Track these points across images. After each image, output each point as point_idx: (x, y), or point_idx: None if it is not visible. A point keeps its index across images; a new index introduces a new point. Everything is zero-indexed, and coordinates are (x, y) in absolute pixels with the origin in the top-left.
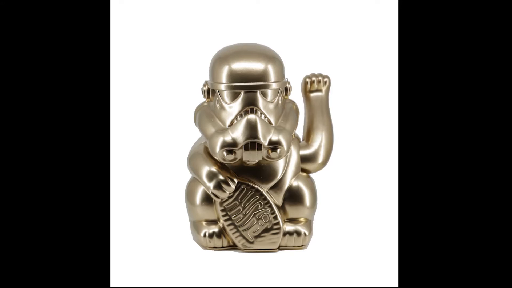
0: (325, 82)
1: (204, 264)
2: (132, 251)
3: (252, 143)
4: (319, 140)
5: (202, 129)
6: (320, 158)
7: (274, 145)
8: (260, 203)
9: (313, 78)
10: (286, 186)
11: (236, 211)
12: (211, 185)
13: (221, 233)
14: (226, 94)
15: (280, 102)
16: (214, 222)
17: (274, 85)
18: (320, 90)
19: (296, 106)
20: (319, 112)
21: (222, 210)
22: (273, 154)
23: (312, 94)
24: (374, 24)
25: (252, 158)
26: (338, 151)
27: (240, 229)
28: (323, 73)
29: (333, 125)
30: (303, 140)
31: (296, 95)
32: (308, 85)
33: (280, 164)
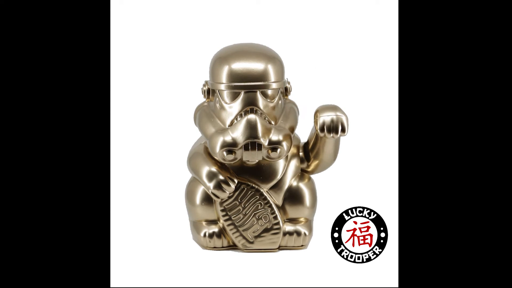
0: (343, 130)
1: (204, 264)
2: (132, 251)
3: (252, 143)
4: (323, 165)
5: (202, 129)
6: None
7: (274, 145)
8: (260, 203)
9: (329, 122)
10: (286, 186)
11: (236, 211)
12: (211, 185)
13: (221, 233)
14: (226, 94)
15: (280, 102)
16: (214, 222)
17: (274, 85)
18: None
19: (296, 106)
20: (328, 149)
21: (222, 210)
22: (273, 154)
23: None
24: (374, 24)
25: (252, 158)
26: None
27: (240, 229)
28: (340, 111)
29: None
30: (304, 157)
31: (296, 95)
32: (323, 135)
33: (280, 164)
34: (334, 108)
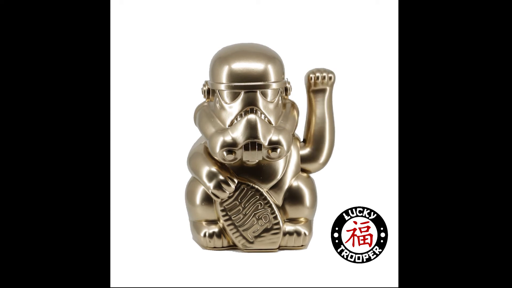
0: (330, 78)
1: (204, 264)
2: (132, 251)
3: (252, 143)
4: (320, 140)
5: (202, 129)
6: (321, 158)
7: (274, 145)
8: (260, 203)
9: (317, 74)
10: (286, 186)
11: (236, 211)
12: (211, 185)
13: (221, 233)
14: (226, 94)
15: (280, 102)
16: (214, 222)
17: (274, 85)
18: (324, 89)
19: (296, 106)
20: (321, 111)
21: (222, 210)
22: (273, 154)
23: (315, 92)
24: (374, 24)
25: (252, 158)
26: (338, 151)
27: (240, 229)
28: (328, 69)
29: (335, 124)
30: (303, 138)
31: (296, 95)
32: (312, 82)
33: (280, 164)
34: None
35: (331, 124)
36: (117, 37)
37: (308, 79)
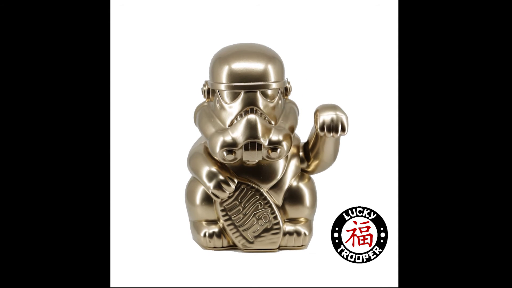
0: (343, 130)
1: (204, 264)
2: (132, 251)
3: (252, 143)
4: (322, 166)
5: (202, 129)
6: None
7: (274, 145)
8: (260, 203)
9: (329, 123)
10: (286, 186)
11: (236, 211)
12: (211, 185)
13: (221, 233)
14: (226, 94)
15: (280, 102)
16: (214, 222)
17: (274, 85)
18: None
19: (296, 106)
20: (328, 149)
21: (222, 210)
22: (273, 154)
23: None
24: (375, 25)
25: (252, 158)
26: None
27: (240, 229)
28: (340, 115)
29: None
30: (304, 155)
31: (296, 95)
32: (321, 132)
33: (280, 164)
34: (334, 107)
35: (335, 154)
36: (117, 37)
37: (316, 124)
